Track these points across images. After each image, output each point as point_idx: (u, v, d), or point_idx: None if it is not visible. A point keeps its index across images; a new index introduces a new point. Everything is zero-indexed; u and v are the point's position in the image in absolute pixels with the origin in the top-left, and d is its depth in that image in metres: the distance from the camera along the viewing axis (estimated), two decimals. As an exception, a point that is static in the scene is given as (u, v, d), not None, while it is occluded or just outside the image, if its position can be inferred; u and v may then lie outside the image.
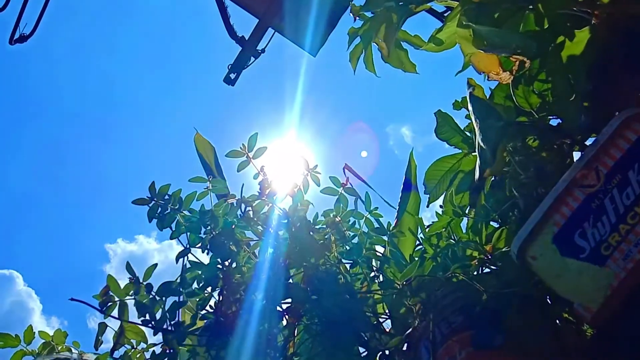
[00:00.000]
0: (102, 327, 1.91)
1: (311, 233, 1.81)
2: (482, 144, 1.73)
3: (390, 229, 1.86)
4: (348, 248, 1.80)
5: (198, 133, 2.32)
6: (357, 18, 2.15)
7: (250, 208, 1.88)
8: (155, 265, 1.89)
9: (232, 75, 2.63)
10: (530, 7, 1.66)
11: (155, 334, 1.81)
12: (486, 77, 1.85)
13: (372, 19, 2.05)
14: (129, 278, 1.84)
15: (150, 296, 1.81)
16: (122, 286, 1.84)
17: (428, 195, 2.21)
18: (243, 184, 1.91)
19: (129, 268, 1.85)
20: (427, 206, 2.18)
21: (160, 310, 1.81)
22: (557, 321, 1.58)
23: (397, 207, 2.32)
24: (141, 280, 1.84)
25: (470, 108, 1.86)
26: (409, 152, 2.42)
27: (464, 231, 1.84)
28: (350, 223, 1.87)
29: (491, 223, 1.85)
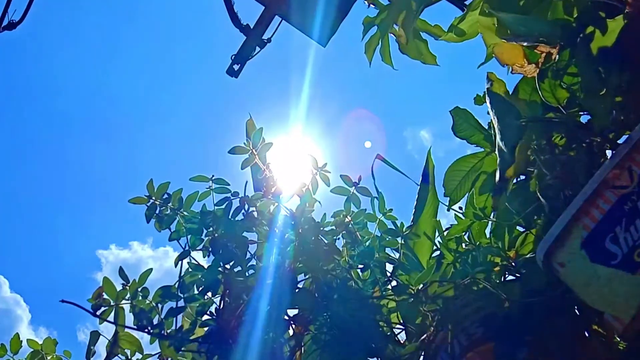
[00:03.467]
0: (95, 335, 1.93)
1: (320, 235, 1.83)
2: (500, 143, 1.75)
3: (404, 230, 1.88)
4: (359, 251, 1.82)
5: (251, 119, 2.25)
6: (372, 5, 2.17)
7: (254, 208, 1.90)
8: (151, 270, 1.91)
9: (236, 67, 2.66)
10: (559, -7, 1.68)
11: (152, 341, 1.84)
12: (510, 70, 1.87)
13: (389, 7, 2.08)
14: (122, 284, 1.87)
15: (147, 301, 1.83)
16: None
17: (448, 198, 2.22)
18: (247, 182, 1.94)
19: (122, 274, 1.87)
20: (448, 210, 2.19)
21: (157, 316, 1.84)
22: (586, 333, 1.59)
23: (413, 210, 2.33)
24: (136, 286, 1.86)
25: (488, 105, 1.88)
26: (427, 151, 2.42)
27: (481, 235, 1.85)
28: (361, 225, 1.89)
29: (515, 227, 1.87)
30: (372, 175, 2.40)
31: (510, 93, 1.94)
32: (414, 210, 2.38)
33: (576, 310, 1.58)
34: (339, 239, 1.90)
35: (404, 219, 2.10)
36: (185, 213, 1.93)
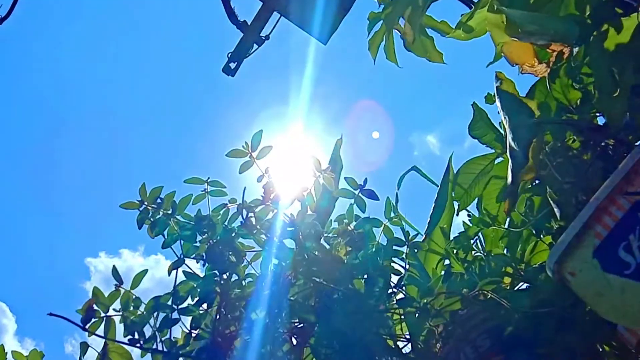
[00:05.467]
0: (84, 347, 1.97)
1: (321, 243, 1.85)
2: (512, 143, 1.78)
3: (410, 238, 1.90)
4: (361, 260, 1.84)
5: (340, 139, 2.28)
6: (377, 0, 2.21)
7: (252, 214, 1.93)
8: (145, 271, 1.94)
9: (232, 65, 2.69)
10: (572, -11, 1.71)
11: (143, 355, 1.87)
12: (520, 70, 1.91)
13: (395, 2, 2.11)
14: (115, 285, 1.89)
15: (139, 312, 1.87)
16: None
17: (457, 202, 2.26)
18: (245, 187, 1.96)
19: (114, 273, 1.89)
20: (457, 214, 2.22)
21: (149, 329, 1.87)
22: (599, 346, 1.62)
23: (428, 219, 2.36)
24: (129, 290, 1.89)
25: (498, 104, 1.91)
26: (449, 157, 2.45)
27: (495, 243, 1.88)
28: (365, 231, 1.91)
29: (530, 235, 1.90)
30: (397, 185, 2.43)
31: (525, 94, 1.97)
32: (429, 219, 2.42)
33: (588, 322, 1.60)
34: (341, 246, 1.93)
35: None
36: (179, 218, 1.96)
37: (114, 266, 1.89)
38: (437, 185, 2.50)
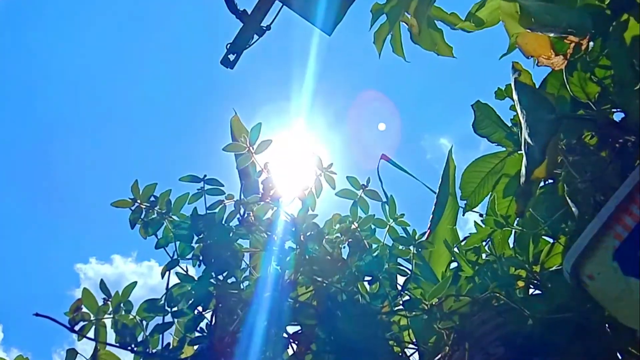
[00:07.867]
0: (71, 354, 1.95)
1: (324, 243, 1.84)
2: (529, 139, 1.76)
3: (416, 237, 1.89)
4: (366, 261, 1.83)
5: (237, 116, 2.26)
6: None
7: (251, 212, 1.92)
8: (135, 283, 1.92)
9: (232, 56, 2.68)
10: (590, -23, 1.70)
11: (136, 360, 1.86)
12: (535, 62, 1.89)
13: (400, -8, 2.11)
14: (103, 299, 1.88)
15: (131, 316, 1.85)
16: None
17: (465, 202, 2.24)
18: (243, 183, 1.95)
19: (103, 287, 1.88)
20: (463, 214, 2.21)
21: (142, 333, 1.86)
22: (618, 354, 1.61)
23: (431, 217, 2.36)
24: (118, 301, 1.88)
25: (515, 97, 1.90)
26: (448, 150, 2.45)
27: (503, 245, 1.87)
28: (369, 232, 1.90)
29: (541, 237, 1.88)
30: (378, 177, 2.43)
31: (537, 87, 1.96)
32: (431, 216, 2.42)
33: (607, 328, 1.59)
34: (344, 247, 1.92)
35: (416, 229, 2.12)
36: (173, 218, 1.95)
37: (101, 280, 1.87)
38: (411, 175, 2.52)
